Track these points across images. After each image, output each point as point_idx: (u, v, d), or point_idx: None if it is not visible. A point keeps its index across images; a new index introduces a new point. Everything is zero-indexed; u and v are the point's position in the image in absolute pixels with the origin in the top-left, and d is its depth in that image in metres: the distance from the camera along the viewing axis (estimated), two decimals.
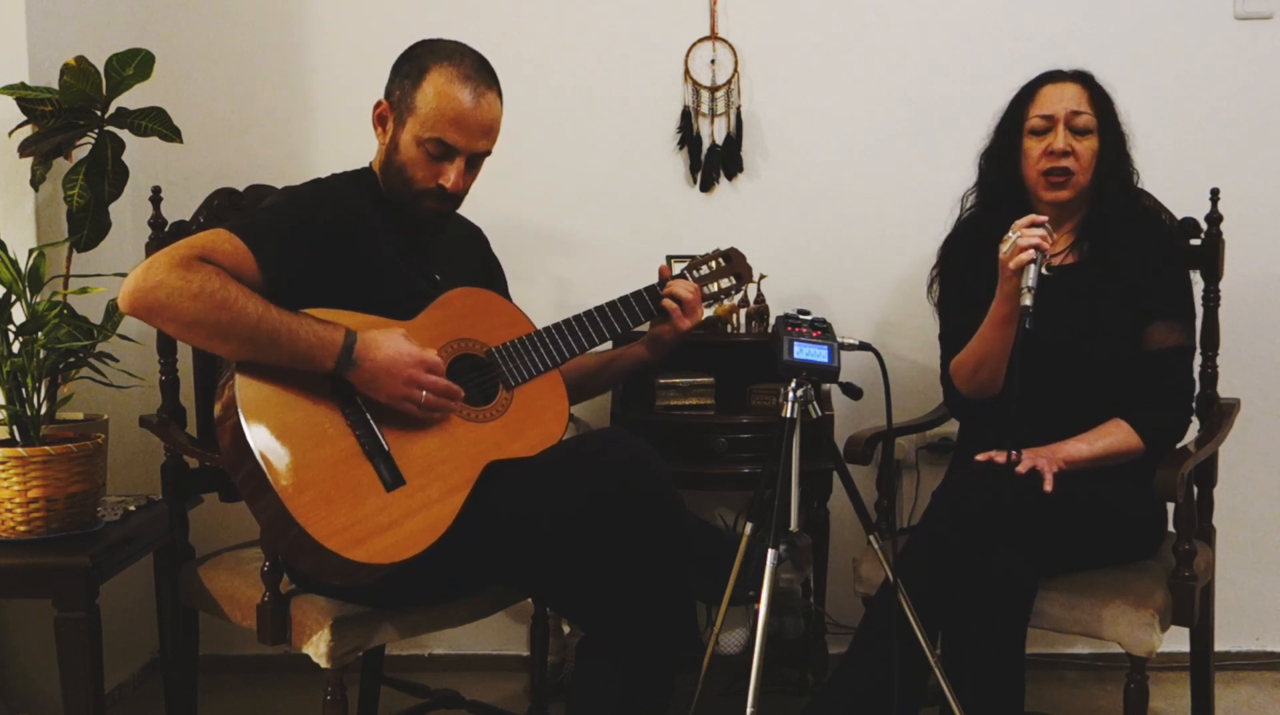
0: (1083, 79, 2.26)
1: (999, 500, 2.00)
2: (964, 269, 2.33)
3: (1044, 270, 2.16)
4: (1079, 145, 2.20)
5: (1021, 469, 2.03)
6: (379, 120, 2.08)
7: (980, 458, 2.10)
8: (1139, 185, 2.31)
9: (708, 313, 2.69)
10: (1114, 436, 2.12)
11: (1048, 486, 2.02)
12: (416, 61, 2.04)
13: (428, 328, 2.03)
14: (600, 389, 2.35)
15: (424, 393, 1.89)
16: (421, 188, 2.04)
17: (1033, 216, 2.05)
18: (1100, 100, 2.24)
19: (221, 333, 1.81)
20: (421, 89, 2.01)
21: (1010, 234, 2.04)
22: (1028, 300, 1.94)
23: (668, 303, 2.20)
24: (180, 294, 1.79)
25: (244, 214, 2.18)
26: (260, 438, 1.82)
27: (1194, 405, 2.28)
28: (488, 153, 2.08)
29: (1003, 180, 2.30)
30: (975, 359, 2.21)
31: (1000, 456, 2.07)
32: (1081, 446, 2.11)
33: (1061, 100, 2.22)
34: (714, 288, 2.32)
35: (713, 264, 2.33)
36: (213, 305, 1.80)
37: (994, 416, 2.22)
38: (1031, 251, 1.98)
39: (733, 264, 2.35)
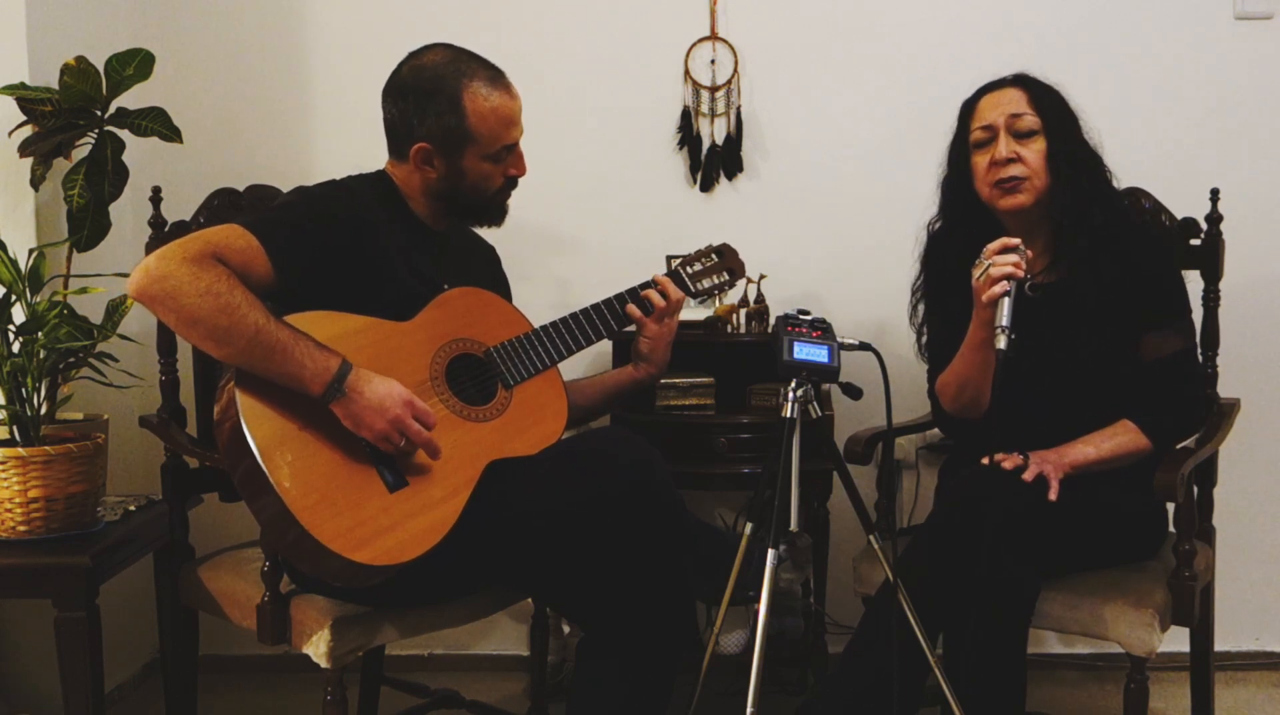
0: (1021, 82, 2.18)
1: (1000, 501, 1.99)
2: (939, 284, 2.29)
3: (1028, 290, 2.13)
4: (1025, 149, 2.12)
5: (1028, 476, 2.03)
6: (423, 162, 2.06)
7: (986, 461, 2.10)
8: (1115, 182, 2.22)
9: (707, 312, 2.70)
10: (1121, 437, 2.11)
11: (1053, 495, 2.01)
12: (440, 94, 2.02)
13: (426, 327, 2.04)
14: (594, 410, 2.34)
15: (404, 440, 1.87)
16: (497, 188, 2.11)
17: (1004, 240, 1.98)
18: (1043, 100, 2.15)
19: (218, 336, 1.81)
20: (468, 118, 2.02)
21: (982, 260, 1.98)
22: (1002, 343, 1.87)
23: (631, 309, 2.21)
24: (187, 289, 1.80)
25: (256, 211, 2.18)
26: (260, 440, 1.82)
27: (1203, 401, 2.25)
28: None
29: (961, 203, 2.25)
30: (957, 381, 2.18)
31: (1008, 461, 2.07)
32: (1089, 449, 2.10)
33: (999, 107, 2.15)
34: (708, 283, 2.33)
35: (705, 260, 2.34)
36: (216, 307, 1.80)
37: (984, 430, 2.20)
38: (1005, 283, 1.93)
39: (725, 259, 2.36)
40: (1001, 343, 1.88)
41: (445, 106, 2.02)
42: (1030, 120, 2.14)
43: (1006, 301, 1.92)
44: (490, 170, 2.08)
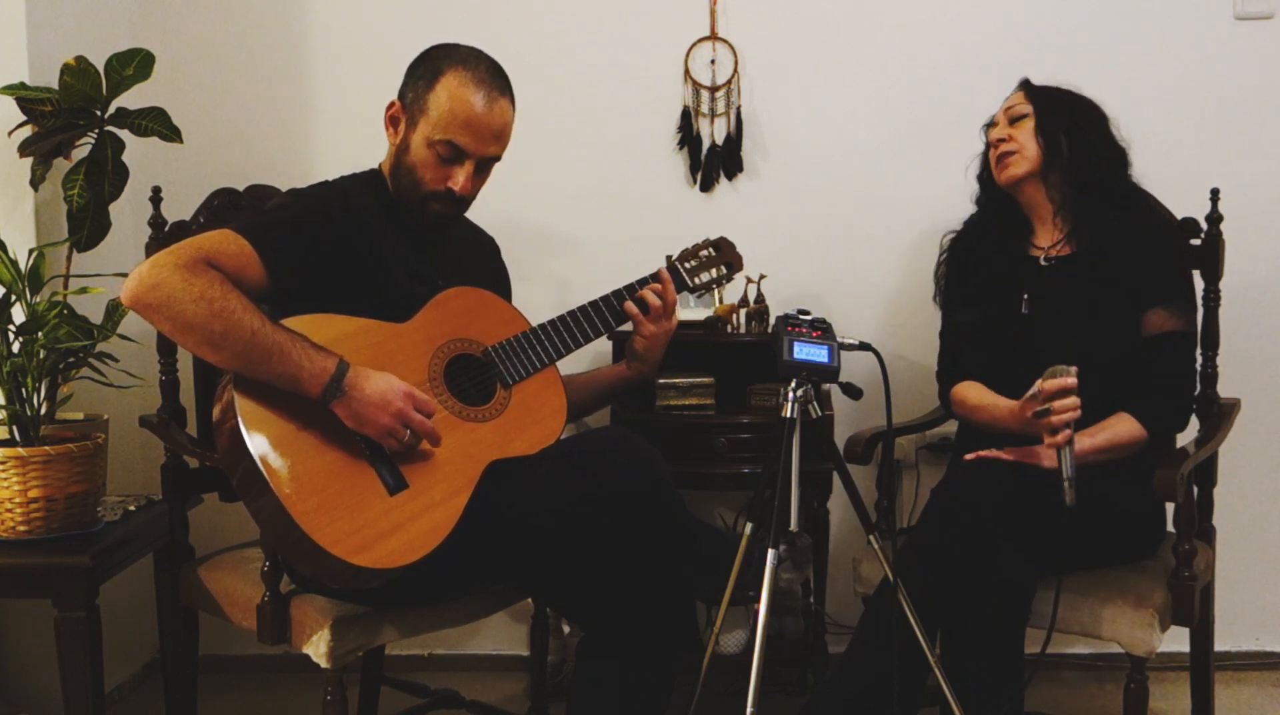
0: (1023, 84, 2.38)
1: (998, 500, 2.00)
2: (962, 268, 2.39)
3: (1042, 262, 2.31)
4: (1015, 129, 2.31)
5: (1011, 456, 2.10)
6: (391, 121, 2.09)
7: (968, 457, 2.13)
8: (1129, 171, 2.32)
9: (707, 312, 2.70)
10: (1117, 428, 2.13)
11: (1046, 461, 2.06)
12: (431, 64, 2.05)
13: (424, 328, 2.03)
14: (586, 406, 2.33)
15: (408, 433, 1.87)
16: (429, 189, 2.05)
17: (1063, 381, 2.00)
18: (1038, 93, 2.33)
19: (214, 341, 1.81)
20: (435, 91, 2.02)
21: (1039, 395, 2.01)
22: (1070, 498, 1.94)
23: (630, 307, 2.19)
24: (180, 296, 1.80)
25: (249, 214, 2.17)
26: (260, 443, 1.82)
27: (1195, 393, 2.28)
28: (497, 158, 2.09)
29: (988, 193, 2.42)
30: (974, 419, 2.29)
31: (991, 453, 2.10)
32: (1084, 440, 2.11)
33: (1004, 106, 2.37)
34: (706, 277, 2.33)
35: (703, 254, 2.34)
36: (210, 312, 1.80)
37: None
38: (1067, 431, 1.98)
39: (723, 253, 2.36)
40: (1069, 498, 1.95)
41: (425, 74, 2.04)
42: (1022, 107, 2.33)
43: (1069, 451, 1.97)
44: (428, 158, 2.03)
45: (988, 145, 2.40)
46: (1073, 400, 1.99)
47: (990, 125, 2.40)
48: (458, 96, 2.01)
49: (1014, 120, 2.32)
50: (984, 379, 2.30)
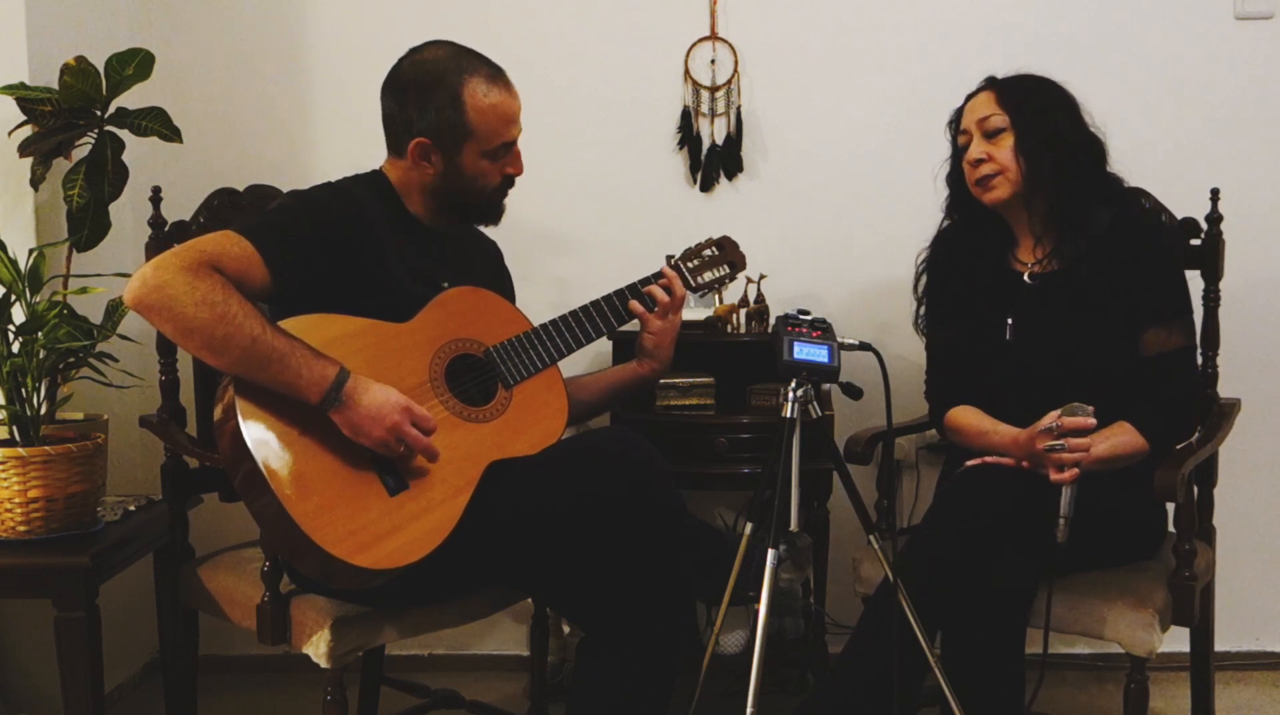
0: (990, 84, 2.25)
1: (1000, 502, 2.00)
2: (943, 287, 2.33)
3: (1026, 279, 2.24)
4: (994, 147, 2.19)
5: (1009, 462, 2.08)
6: (420, 156, 2.06)
7: (971, 463, 2.13)
8: (1113, 166, 2.25)
9: (707, 312, 2.70)
10: (1119, 438, 2.10)
11: (1066, 476, 2.02)
12: (440, 88, 2.02)
13: (425, 328, 2.03)
14: (597, 406, 2.34)
15: (403, 447, 1.87)
16: (494, 187, 2.11)
17: (1081, 421, 2.00)
18: (1010, 96, 2.20)
19: (214, 346, 1.81)
20: (467, 113, 2.02)
21: (1055, 428, 2.00)
22: (1063, 535, 1.97)
23: (634, 305, 2.20)
24: (183, 299, 1.79)
25: (252, 215, 2.18)
26: (260, 443, 1.82)
27: (1193, 400, 2.26)
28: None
29: (962, 207, 2.33)
30: (964, 441, 2.24)
31: (994, 460, 2.09)
32: None
33: (972, 113, 2.24)
34: (709, 277, 2.32)
35: (706, 254, 2.34)
36: (212, 317, 1.80)
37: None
38: (1075, 470, 1.98)
39: (726, 252, 2.36)
40: (1061, 535, 1.97)
41: (445, 101, 2.02)
42: (997, 119, 2.20)
43: (1071, 490, 1.98)
44: (488, 168, 2.08)
45: (956, 148, 2.30)
46: (1086, 440, 1.99)
47: (956, 126, 2.29)
48: (490, 104, 2.04)
49: (990, 134, 2.19)
50: (976, 401, 2.25)
